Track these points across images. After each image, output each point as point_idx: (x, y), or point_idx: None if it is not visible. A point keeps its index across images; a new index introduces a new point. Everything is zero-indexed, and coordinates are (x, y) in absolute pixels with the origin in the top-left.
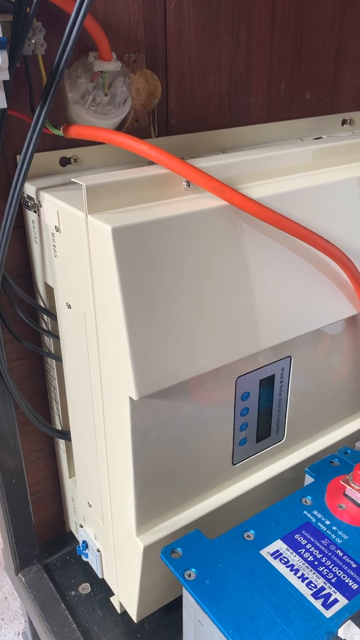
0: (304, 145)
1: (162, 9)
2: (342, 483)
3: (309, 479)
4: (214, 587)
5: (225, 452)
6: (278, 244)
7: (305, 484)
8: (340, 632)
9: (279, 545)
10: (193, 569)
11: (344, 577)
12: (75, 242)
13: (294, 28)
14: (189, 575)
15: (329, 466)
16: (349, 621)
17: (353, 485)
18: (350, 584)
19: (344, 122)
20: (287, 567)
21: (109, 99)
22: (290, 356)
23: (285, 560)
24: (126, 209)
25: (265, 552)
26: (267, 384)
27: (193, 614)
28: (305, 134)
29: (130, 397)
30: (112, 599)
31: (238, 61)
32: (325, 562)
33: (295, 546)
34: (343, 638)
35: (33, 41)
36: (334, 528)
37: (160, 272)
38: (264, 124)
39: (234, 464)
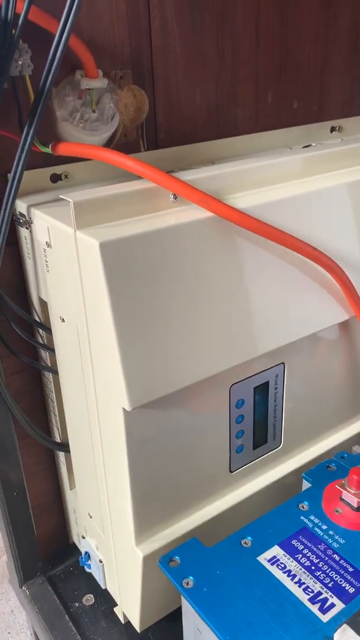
0: (292, 153)
1: (146, 26)
2: (338, 487)
3: (306, 485)
4: (211, 594)
5: (222, 459)
6: (266, 252)
7: (302, 490)
8: (336, 636)
9: (276, 551)
10: (191, 577)
11: (340, 581)
12: (66, 257)
13: (279, 39)
14: (187, 584)
15: (326, 471)
16: (345, 625)
17: (349, 489)
18: (346, 588)
19: (332, 129)
20: (284, 572)
21: (97, 116)
22: (283, 363)
23: (283, 566)
24: (114, 223)
25: (263, 558)
26: (262, 390)
27: (192, 621)
28: (294, 142)
29: (123, 408)
30: (115, 609)
31: (224, 73)
32: (322, 566)
33: (292, 552)
34: None
35: (20, 62)
36: (331, 532)
37: (150, 284)
38: (253, 134)
39: (231, 472)
